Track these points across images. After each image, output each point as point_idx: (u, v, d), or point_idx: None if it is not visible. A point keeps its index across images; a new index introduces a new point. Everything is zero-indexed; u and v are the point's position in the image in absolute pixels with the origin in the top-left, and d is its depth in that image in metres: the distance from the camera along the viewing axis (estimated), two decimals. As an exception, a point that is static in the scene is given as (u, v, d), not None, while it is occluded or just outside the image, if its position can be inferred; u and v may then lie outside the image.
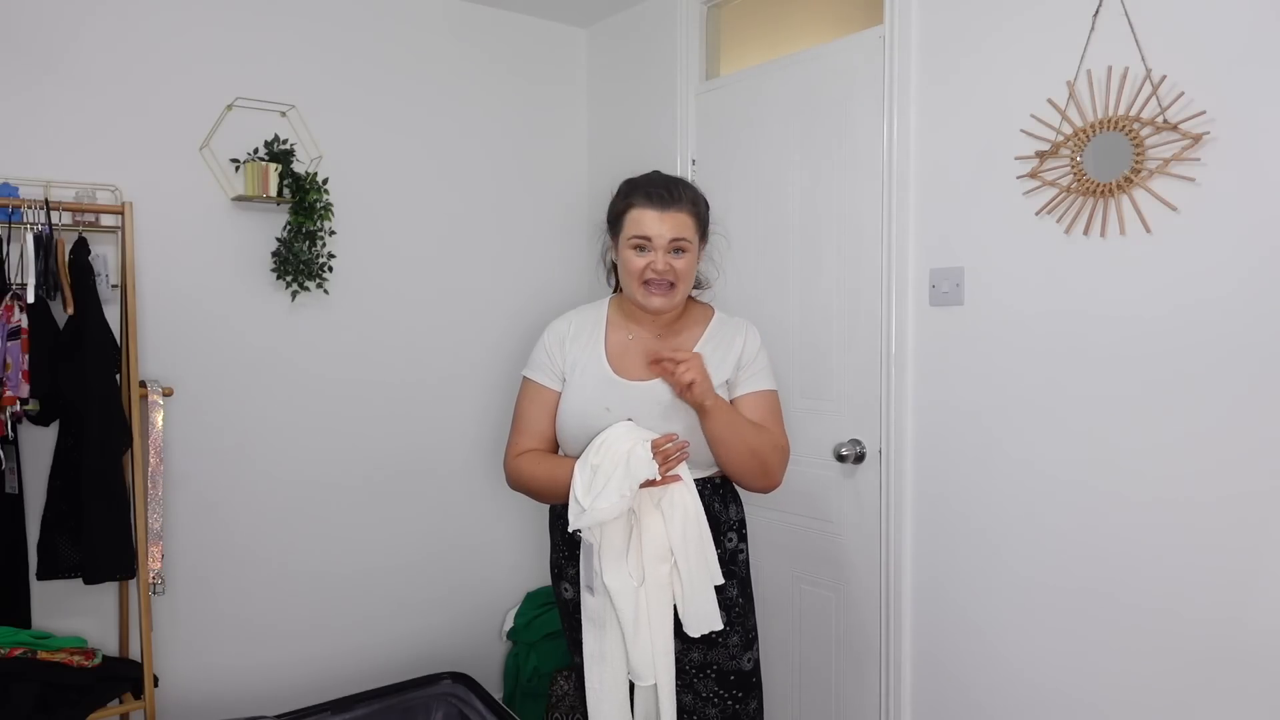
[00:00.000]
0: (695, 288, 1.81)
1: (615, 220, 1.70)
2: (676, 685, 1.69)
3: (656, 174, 1.71)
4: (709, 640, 1.69)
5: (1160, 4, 1.65)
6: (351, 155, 2.63)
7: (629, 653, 1.59)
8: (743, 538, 1.76)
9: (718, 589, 1.65)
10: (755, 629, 1.78)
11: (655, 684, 1.60)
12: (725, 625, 1.69)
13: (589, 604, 1.63)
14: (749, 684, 1.74)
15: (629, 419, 1.63)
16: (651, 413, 1.64)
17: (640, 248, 1.64)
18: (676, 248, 1.63)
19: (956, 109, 2.01)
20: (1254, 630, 1.58)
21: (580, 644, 1.72)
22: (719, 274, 1.88)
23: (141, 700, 2.15)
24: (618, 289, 1.78)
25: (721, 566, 1.68)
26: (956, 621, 2.05)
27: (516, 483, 1.75)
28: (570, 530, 1.60)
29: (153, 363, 2.32)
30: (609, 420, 1.63)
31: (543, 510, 3.02)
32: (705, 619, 1.60)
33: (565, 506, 1.71)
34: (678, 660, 1.69)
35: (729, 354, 1.71)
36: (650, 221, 1.62)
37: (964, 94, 1.99)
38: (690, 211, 1.65)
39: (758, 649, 1.77)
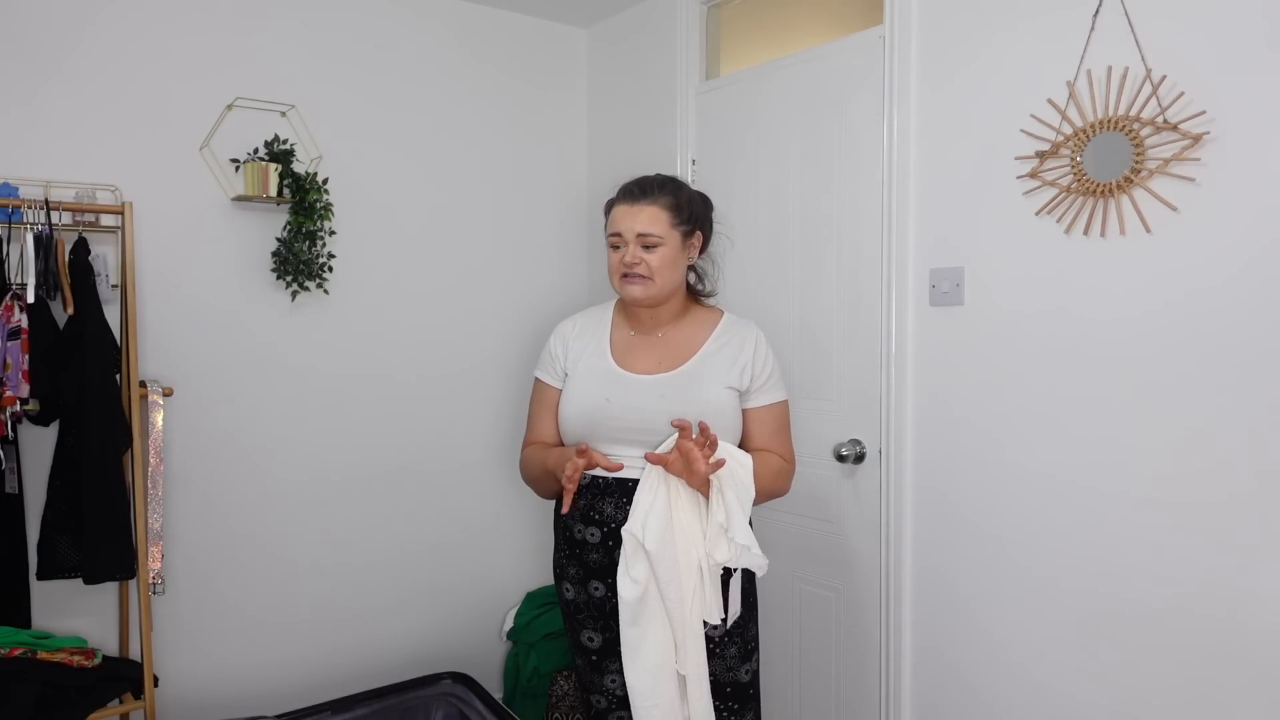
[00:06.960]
0: (701, 294, 1.81)
1: (605, 222, 1.73)
2: None
3: (647, 175, 1.72)
4: (705, 649, 1.65)
5: (1160, 4, 1.65)
6: (351, 155, 2.63)
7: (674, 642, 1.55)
8: None
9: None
10: (756, 640, 1.74)
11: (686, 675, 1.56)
12: (723, 635, 1.67)
13: (626, 596, 1.54)
14: (745, 696, 1.70)
15: (636, 409, 1.63)
16: (651, 405, 1.63)
17: (615, 245, 1.67)
18: (646, 243, 1.63)
19: (956, 109, 2.01)
20: (1255, 626, 1.58)
21: (581, 645, 1.72)
22: (719, 275, 1.87)
23: (141, 700, 2.15)
24: None
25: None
26: (957, 621, 2.05)
27: (522, 475, 1.81)
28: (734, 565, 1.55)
29: (153, 363, 2.32)
30: (607, 410, 1.64)
31: (544, 510, 3.05)
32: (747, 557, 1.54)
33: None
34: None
35: (738, 358, 1.69)
36: (620, 217, 1.66)
37: (964, 94, 1.99)
38: (665, 205, 1.65)
39: (757, 660, 1.74)
